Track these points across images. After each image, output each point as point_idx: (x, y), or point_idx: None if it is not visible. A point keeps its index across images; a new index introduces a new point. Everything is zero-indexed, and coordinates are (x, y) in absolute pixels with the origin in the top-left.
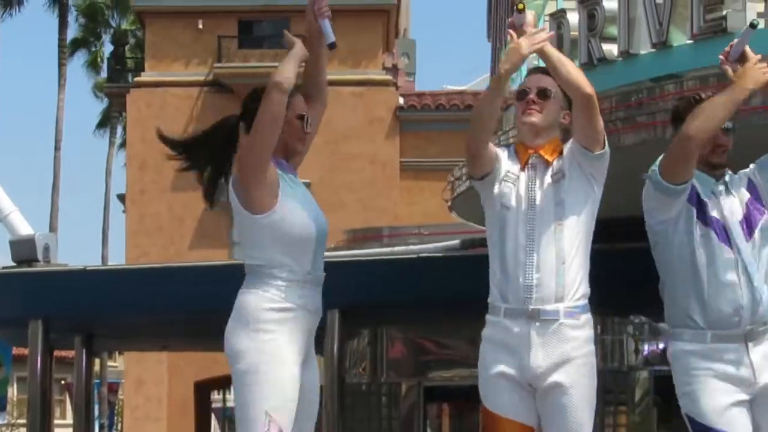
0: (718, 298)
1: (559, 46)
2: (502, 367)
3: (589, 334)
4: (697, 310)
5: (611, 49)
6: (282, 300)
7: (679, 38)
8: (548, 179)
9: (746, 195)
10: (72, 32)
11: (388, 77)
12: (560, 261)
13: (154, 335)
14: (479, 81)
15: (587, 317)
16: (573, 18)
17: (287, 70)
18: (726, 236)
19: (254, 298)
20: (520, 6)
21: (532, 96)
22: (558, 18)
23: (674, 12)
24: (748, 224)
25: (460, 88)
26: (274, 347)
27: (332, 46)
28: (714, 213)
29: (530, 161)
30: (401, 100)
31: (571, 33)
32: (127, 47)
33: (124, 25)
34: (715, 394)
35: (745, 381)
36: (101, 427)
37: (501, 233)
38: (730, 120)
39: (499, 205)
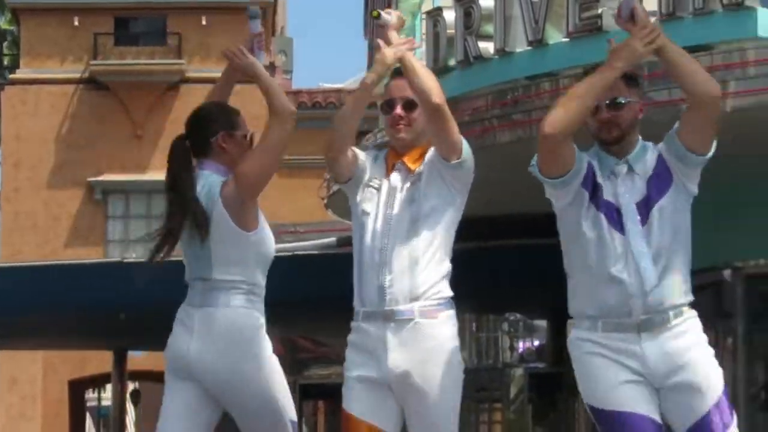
0: (606, 287)
1: (436, 44)
2: (361, 371)
3: (449, 333)
4: (589, 299)
5: (487, 47)
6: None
7: (555, 36)
8: (407, 184)
9: (650, 174)
10: None
11: None
12: (413, 261)
13: (28, 333)
14: (355, 79)
15: (447, 315)
16: (449, 16)
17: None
18: (618, 220)
19: (251, 317)
20: (375, 14)
21: (398, 111)
22: (434, 16)
23: (550, 10)
24: (646, 206)
25: (337, 86)
26: (275, 360)
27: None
28: (608, 196)
29: (395, 167)
30: None
31: (448, 31)
32: (4, 44)
33: (2, 23)
34: (606, 379)
35: (639, 372)
36: None
37: (360, 238)
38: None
39: (360, 210)
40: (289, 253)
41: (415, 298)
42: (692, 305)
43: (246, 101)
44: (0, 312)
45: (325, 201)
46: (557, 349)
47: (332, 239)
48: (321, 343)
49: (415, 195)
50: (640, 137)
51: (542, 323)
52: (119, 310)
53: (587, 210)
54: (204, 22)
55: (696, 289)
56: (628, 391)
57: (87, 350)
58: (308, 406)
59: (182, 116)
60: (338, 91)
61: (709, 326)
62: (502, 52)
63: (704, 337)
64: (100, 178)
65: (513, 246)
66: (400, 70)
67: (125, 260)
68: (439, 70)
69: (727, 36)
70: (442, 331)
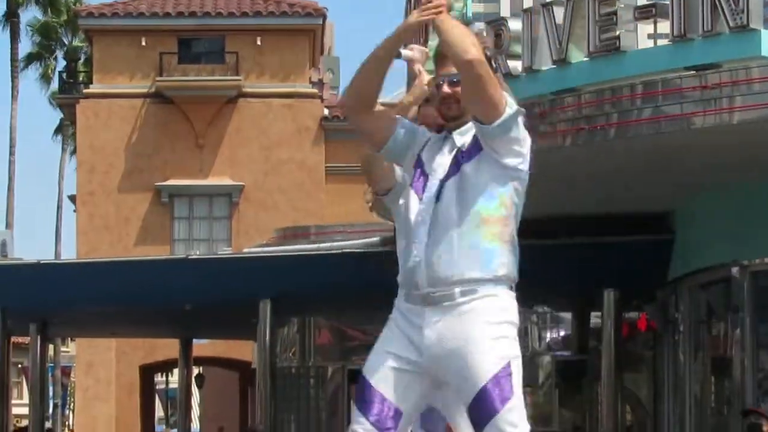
0: (403, 257)
1: None
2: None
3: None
4: (401, 267)
5: (516, 65)
6: None
7: (577, 56)
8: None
9: (463, 150)
10: (26, 47)
11: (315, 90)
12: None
13: (103, 323)
14: (397, 94)
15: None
16: None
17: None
18: (422, 195)
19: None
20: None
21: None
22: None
23: (572, 32)
24: (445, 180)
25: (380, 101)
26: None
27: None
28: (427, 168)
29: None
30: (326, 111)
31: None
32: (79, 62)
33: (75, 42)
34: (383, 348)
35: (417, 345)
36: (55, 407)
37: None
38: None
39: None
40: (338, 251)
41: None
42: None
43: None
44: (78, 304)
45: (370, 204)
46: (581, 339)
47: (376, 238)
48: (366, 332)
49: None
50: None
51: (567, 315)
52: (185, 302)
53: (408, 185)
54: (259, 42)
55: (706, 285)
56: (388, 370)
57: (156, 338)
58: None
59: (240, 127)
60: (381, 105)
61: (718, 319)
62: (529, 70)
63: (496, 316)
64: (166, 183)
65: (540, 246)
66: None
67: (189, 257)
68: None
69: (733, 55)
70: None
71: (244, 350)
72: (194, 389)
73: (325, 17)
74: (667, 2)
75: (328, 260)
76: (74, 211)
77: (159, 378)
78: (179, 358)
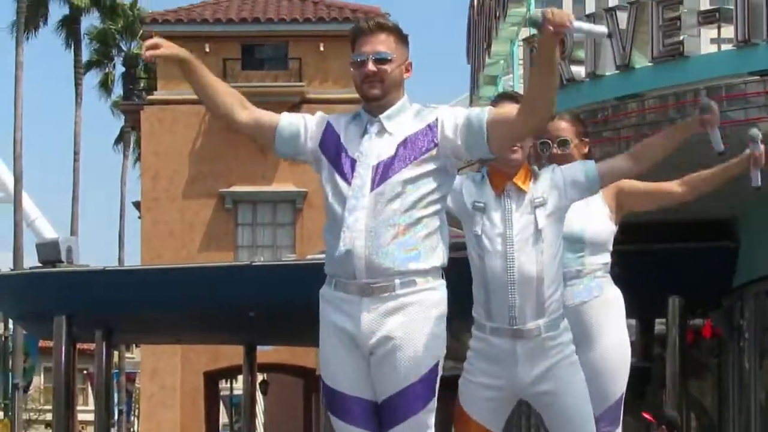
0: (332, 245)
1: (532, 68)
2: (485, 378)
3: (568, 339)
4: (329, 255)
5: (579, 70)
6: None
7: (641, 61)
8: (526, 207)
9: (405, 136)
10: (85, 55)
11: None
12: (540, 281)
13: (168, 329)
14: (460, 100)
15: (565, 324)
16: None
17: None
18: (351, 181)
19: None
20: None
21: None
22: (531, 43)
23: (636, 37)
24: (386, 168)
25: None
26: None
27: (722, 153)
28: (352, 152)
29: (505, 189)
30: None
31: None
32: (138, 69)
33: (134, 49)
34: (327, 354)
35: (353, 336)
36: (120, 413)
37: (479, 258)
38: None
39: (472, 233)
40: None
41: (541, 315)
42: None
43: None
44: (143, 310)
45: None
46: (646, 346)
47: None
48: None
49: (538, 221)
50: (407, 100)
51: (632, 322)
52: (249, 308)
53: (328, 165)
54: (322, 48)
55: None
56: (338, 353)
57: (220, 344)
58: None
59: None
60: None
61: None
62: (593, 75)
63: (435, 310)
64: (230, 189)
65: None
66: (507, 94)
67: (254, 263)
68: None
69: None
70: (564, 339)
71: (308, 357)
72: (258, 396)
73: None
74: (731, 7)
75: None
76: (138, 217)
77: (223, 384)
78: (243, 364)
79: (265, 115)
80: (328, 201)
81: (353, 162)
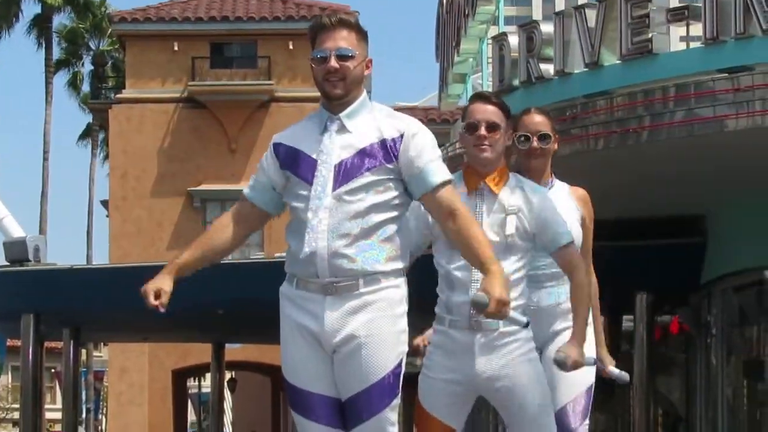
0: (296, 245)
1: (501, 66)
2: (446, 374)
3: (528, 335)
4: (291, 255)
5: (548, 68)
6: None
7: (610, 59)
8: (497, 211)
9: (368, 143)
10: (56, 54)
11: None
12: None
13: (136, 328)
14: (429, 98)
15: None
16: (513, 40)
17: None
18: (311, 174)
19: None
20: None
21: (482, 132)
22: (500, 40)
23: (605, 35)
24: (347, 170)
25: (412, 104)
26: None
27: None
28: (311, 152)
29: (478, 188)
30: None
31: (512, 54)
32: (106, 67)
33: (102, 46)
34: (290, 340)
35: (316, 334)
36: (88, 411)
37: (445, 257)
38: None
39: (437, 232)
40: None
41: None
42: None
43: None
44: (111, 308)
45: None
46: (613, 342)
47: None
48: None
49: (507, 227)
50: (366, 97)
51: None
52: (217, 307)
53: (291, 174)
54: (291, 47)
55: (739, 288)
56: (300, 351)
57: (188, 342)
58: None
59: (272, 131)
60: (413, 108)
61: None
62: (562, 73)
63: (399, 307)
64: (198, 188)
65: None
66: (479, 95)
67: (222, 261)
68: (504, 89)
69: (766, 58)
70: (522, 335)
71: (275, 355)
72: (227, 394)
73: None
74: (700, 4)
75: None
76: (107, 215)
77: (192, 382)
78: (212, 362)
79: (236, 206)
80: (291, 204)
81: (314, 162)
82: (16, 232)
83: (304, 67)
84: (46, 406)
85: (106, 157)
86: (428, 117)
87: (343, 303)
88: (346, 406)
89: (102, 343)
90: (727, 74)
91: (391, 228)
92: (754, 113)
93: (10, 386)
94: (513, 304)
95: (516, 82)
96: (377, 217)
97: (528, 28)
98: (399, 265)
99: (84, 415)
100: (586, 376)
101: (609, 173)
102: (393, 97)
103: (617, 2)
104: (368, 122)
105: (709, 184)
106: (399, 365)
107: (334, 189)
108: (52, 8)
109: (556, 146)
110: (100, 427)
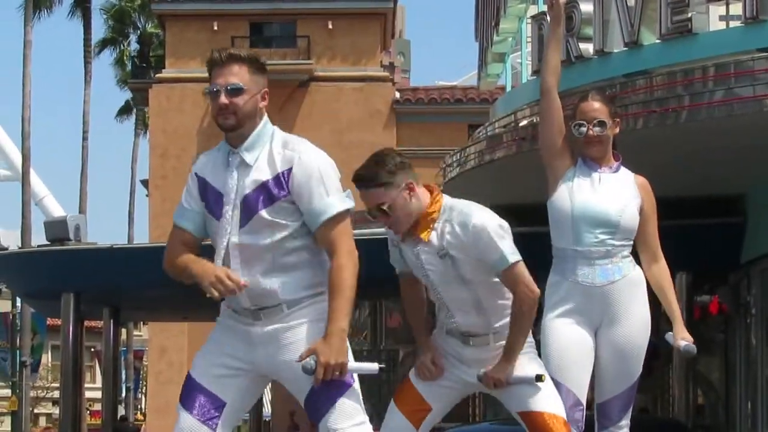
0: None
1: (540, 46)
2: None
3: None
4: None
5: (587, 47)
6: None
7: (649, 38)
8: (433, 254)
9: (270, 177)
10: (100, 33)
11: (386, 74)
12: (476, 305)
13: (176, 307)
14: (468, 77)
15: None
16: None
17: None
18: (219, 207)
19: None
20: None
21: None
22: (539, 20)
23: (644, 14)
24: (251, 203)
25: (451, 84)
26: None
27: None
28: (216, 184)
29: (405, 237)
30: (398, 95)
31: None
32: (151, 47)
33: (149, 28)
34: (210, 348)
35: (246, 345)
36: (127, 390)
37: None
38: None
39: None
40: None
41: (487, 332)
42: None
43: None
44: (150, 287)
45: (442, 188)
46: (653, 322)
47: None
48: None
49: (448, 267)
50: (265, 128)
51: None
52: None
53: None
54: (330, 26)
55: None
56: (214, 367)
57: None
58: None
59: (311, 111)
60: (452, 88)
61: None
62: (601, 53)
63: (324, 315)
64: None
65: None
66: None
67: None
68: None
69: None
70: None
71: None
72: None
73: (395, 0)
74: None
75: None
76: (147, 195)
77: None
78: None
79: (175, 238)
80: (210, 236)
81: (220, 196)
82: (57, 211)
83: (343, 46)
84: (86, 385)
85: (147, 135)
86: (467, 96)
87: (270, 322)
88: (306, 406)
89: (141, 323)
90: (767, 54)
91: (304, 255)
92: None
93: (50, 365)
94: (500, 323)
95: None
96: (287, 248)
97: (567, 7)
98: (319, 289)
99: (123, 394)
100: (639, 365)
101: (648, 153)
102: (432, 76)
103: None
104: (265, 155)
105: (749, 164)
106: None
107: (241, 226)
108: None
109: (617, 130)
110: (139, 406)
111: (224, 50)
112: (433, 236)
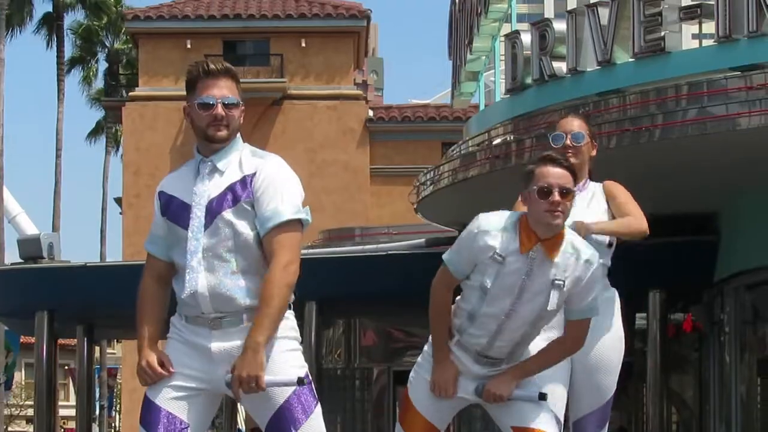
0: (179, 285)
1: (514, 64)
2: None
3: (286, 327)
4: (177, 286)
5: (561, 66)
6: None
7: (622, 57)
8: (543, 279)
9: (233, 181)
10: (69, 51)
11: (359, 92)
12: (525, 339)
13: None
14: (441, 95)
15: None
16: (526, 38)
17: None
18: (186, 217)
19: None
20: None
21: (556, 197)
22: (512, 38)
23: (617, 33)
24: (214, 209)
25: (424, 102)
26: None
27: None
28: (182, 196)
29: (533, 249)
30: (371, 113)
31: (525, 52)
32: (121, 65)
33: (117, 45)
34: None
35: (201, 370)
36: (101, 408)
37: (478, 301)
38: None
39: (479, 282)
40: (383, 253)
41: (508, 361)
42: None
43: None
44: (124, 305)
45: (415, 206)
46: (626, 340)
47: (422, 240)
48: (411, 333)
49: (550, 301)
50: (240, 141)
51: None
52: None
53: (168, 222)
54: (303, 44)
55: (752, 286)
56: (172, 389)
57: None
58: (401, 390)
59: (285, 129)
60: (425, 106)
61: (763, 320)
62: (574, 71)
63: (286, 332)
64: None
65: None
66: (550, 158)
67: None
68: (517, 87)
69: None
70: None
71: None
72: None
73: (369, 19)
74: (713, 3)
75: (373, 262)
76: (120, 213)
77: None
78: None
79: (147, 266)
80: (173, 250)
81: (188, 206)
82: (30, 229)
83: (317, 64)
84: (60, 403)
85: (119, 153)
86: (441, 114)
87: (228, 336)
88: (269, 430)
89: (115, 340)
90: (739, 72)
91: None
92: (766, 111)
93: (23, 383)
94: (525, 355)
95: (529, 80)
96: (250, 252)
97: (541, 26)
98: None
99: (97, 412)
100: (613, 381)
101: (621, 171)
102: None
103: (630, 0)
104: (236, 161)
105: (722, 182)
106: (304, 378)
107: (205, 228)
108: (63, 6)
109: (593, 152)
110: (113, 424)
111: (218, 62)
112: (559, 258)
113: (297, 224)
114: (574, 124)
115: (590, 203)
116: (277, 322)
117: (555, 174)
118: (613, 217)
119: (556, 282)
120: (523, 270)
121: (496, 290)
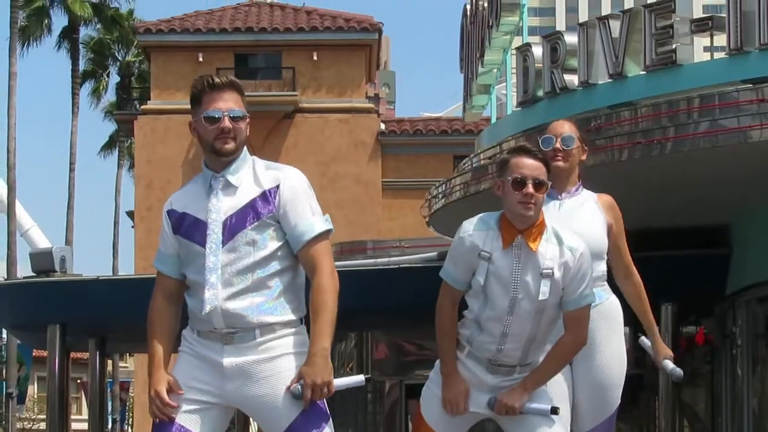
0: (194, 301)
1: (525, 77)
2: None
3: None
4: (191, 301)
5: (572, 79)
6: None
7: (634, 69)
8: (532, 270)
9: (252, 197)
10: (83, 65)
11: (371, 105)
12: (531, 340)
13: None
14: (453, 108)
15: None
16: (537, 51)
17: None
18: (203, 233)
19: None
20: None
21: (530, 189)
22: (524, 51)
23: (629, 46)
24: (234, 224)
25: (436, 115)
26: None
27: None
28: (197, 213)
29: (515, 242)
30: (383, 126)
31: (536, 65)
32: (132, 78)
33: (129, 57)
34: (179, 376)
35: (212, 385)
36: (114, 422)
37: (482, 303)
38: None
39: (476, 282)
40: (395, 266)
41: (521, 365)
42: None
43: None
44: (136, 318)
45: (427, 219)
46: (637, 354)
47: (434, 253)
48: (423, 347)
49: (540, 291)
50: (248, 155)
51: (625, 329)
52: None
53: (182, 239)
54: (315, 58)
55: (764, 299)
56: (184, 402)
57: None
58: (413, 404)
59: (296, 142)
60: (437, 119)
61: None
62: (586, 84)
63: (300, 347)
64: None
65: None
66: (525, 150)
67: None
68: (528, 100)
69: None
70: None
71: None
72: None
73: (380, 32)
74: (724, 15)
75: (385, 275)
76: (132, 226)
77: None
78: None
79: (158, 285)
80: (187, 268)
81: (203, 223)
82: (43, 242)
83: (329, 77)
84: (72, 417)
85: (131, 166)
86: (452, 127)
87: (240, 352)
88: None
89: (128, 354)
90: (751, 85)
91: (284, 279)
92: None
93: (36, 397)
94: (542, 354)
95: (540, 93)
96: (267, 270)
97: (552, 38)
98: (294, 316)
99: (110, 426)
100: (616, 397)
101: (633, 184)
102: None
103: (641, 13)
104: (250, 176)
105: (734, 195)
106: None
107: (224, 244)
108: (79, 20)
109: (584, 157)
110: None
111: (223, 75)
112: (542, 247)
113: (327, 233)
114: (565, 128)
115: (585, 212)
116: (334, 326)
117: (529, 165)
118: (611, 230)
119: (545, 271)
120: (511, 265)
121: (492, 289)
